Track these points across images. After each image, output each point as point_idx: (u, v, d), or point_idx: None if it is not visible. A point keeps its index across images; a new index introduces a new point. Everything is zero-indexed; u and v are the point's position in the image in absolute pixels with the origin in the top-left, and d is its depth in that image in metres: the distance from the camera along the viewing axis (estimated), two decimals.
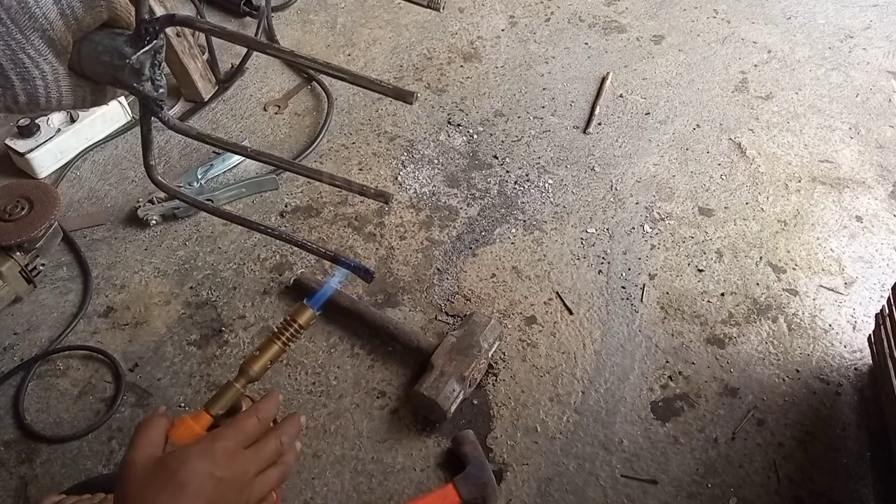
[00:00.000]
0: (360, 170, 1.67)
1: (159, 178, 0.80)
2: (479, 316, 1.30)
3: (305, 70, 1.91)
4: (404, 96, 0.64)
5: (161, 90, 0.72)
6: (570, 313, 1.39)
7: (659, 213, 1.57)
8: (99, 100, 0.73)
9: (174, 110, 1.82)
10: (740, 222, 1.55)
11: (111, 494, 0.95)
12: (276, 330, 0.73)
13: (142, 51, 0.68)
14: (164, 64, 0.71)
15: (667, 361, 1.32)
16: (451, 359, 1.22)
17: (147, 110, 0.74)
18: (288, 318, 0.74)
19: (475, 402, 1.26)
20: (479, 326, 1.27)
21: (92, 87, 0.71)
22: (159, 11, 1.64)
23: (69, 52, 0.68)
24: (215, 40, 1.89)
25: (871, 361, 1.30)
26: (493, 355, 1.30)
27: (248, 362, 0.72)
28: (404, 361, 1.31)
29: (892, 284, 1.23)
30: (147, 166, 0.78)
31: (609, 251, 1.49)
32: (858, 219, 1.55)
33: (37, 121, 1.61)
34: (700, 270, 1.46)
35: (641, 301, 1.41)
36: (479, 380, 1.26)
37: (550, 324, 1.37)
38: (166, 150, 1.71)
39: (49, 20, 0.64)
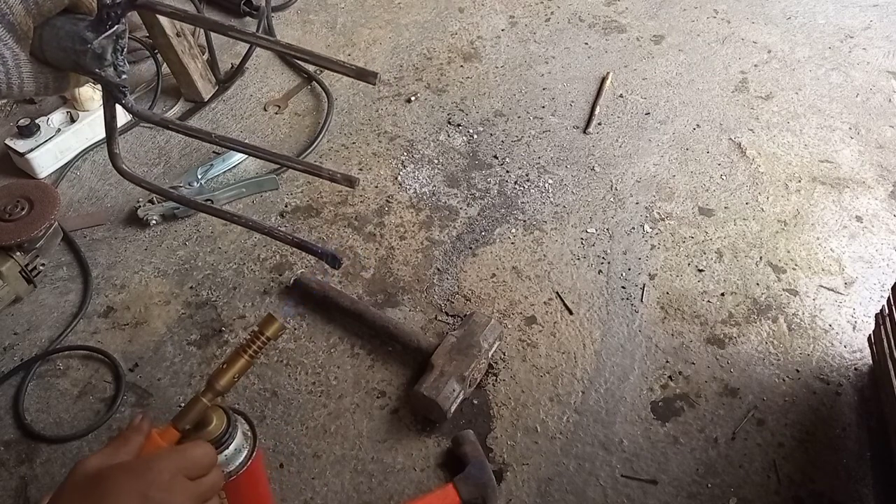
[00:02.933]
0: (360, 170, 1.67)
1: (123, 166, 0.78)
2: (479, 316, 1.30)
3: (304, 70, 1.91)
4: (366, 76, 0.64)
5: (124, 76, 0.70)
6: (570, 313, 1.39)
7: (659, 213, 1.57)
8: (62, 86, 0.72)
9: (174, 110, 1.82)
10: (740, 222, 1.55)
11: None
12: (243, 342, 0.71)
13: (103, 35, 0.66)
14: (125, 49, 0.69)
15: (667, 361, 1.32)
16: (451, 359, 1.22)
17: (110, 96, 0.72)
18: (255, 331, 0.71)
19: (475, 402, 1.26)
20: (479, 326, 1.27)
21: (54, 73, 0.70)
22: None
23: (30, 37, 0.66)
24: (215, 40, 1.89)
25: (871, 361, 1.30)
26: (493, 355, 1.30)
27: (215, 376, 0.70)
28: (404, 361, 1.31)
29: (892, 284, 1.23)
30: (111, 154, 0.76)
31: (609, 251, 1.49)
32: (858, 219, 1.55)
33: (37, 121, 1.61)
34: (700, 270, 1.46)
35: (641, 301, 1.41)
36: (479, 380, 1.26)
37: (550, 324, 1.37)
38: (166, 150, 1.71)
39: (9, 4, 0.63)
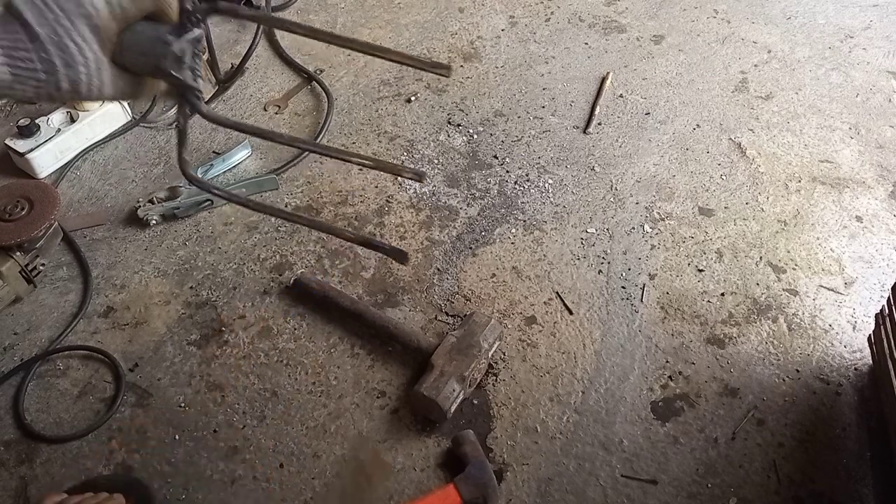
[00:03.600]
0: (360, 170, 1.67)
1: (193, 172, 0.80)
2: (479, 316, 1.30)
3: (304, 70, 1.91)
4: (440, 68, 0.65)
5: (199, 80, 0.73)
6: (570, 313, 1.39)
7: (659, 213, 1.57)
8: (137, 93, 0.74)
9: (174, 110, 1.82)
10: (740, 222, 1.55)
11: (115, 494, 0.96)
12: None
13: (184, 38, 0.69)
14: (202, 55, 0.71)
15: (667, 361, 1.32)
16: (451, 359, 1.22)
17: (185, 100, 0.74)
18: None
19: (475, 402, 1.26)
20: (479, 326, 1.27)
21: (132, 79, 0.72)
22: None
23: (112, 42, 0.68)
24: (215, 40, 1.89)
25: (871, 361, 1.30)
26: (493, 355, 1.30)
27: None
28: (404, 361, 1.31)
29: (892, 284, 1.23)
30: (181, 160, 0.77)
31: (609, 251, 1.49)
32: (858, 219, 1.55)
33: (37, 121, 1.61)
34: (700, 270, 1.46)
35: (641, 301, 1.41)
36: (479, 380, 1.26)
37: (550, 324, 1.37)
38: (166, 151, 1.71)
39: (96, 7, 0.65)
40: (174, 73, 0.71)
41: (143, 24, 0.69)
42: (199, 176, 0.78)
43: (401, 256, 0.75)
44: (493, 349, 1.29)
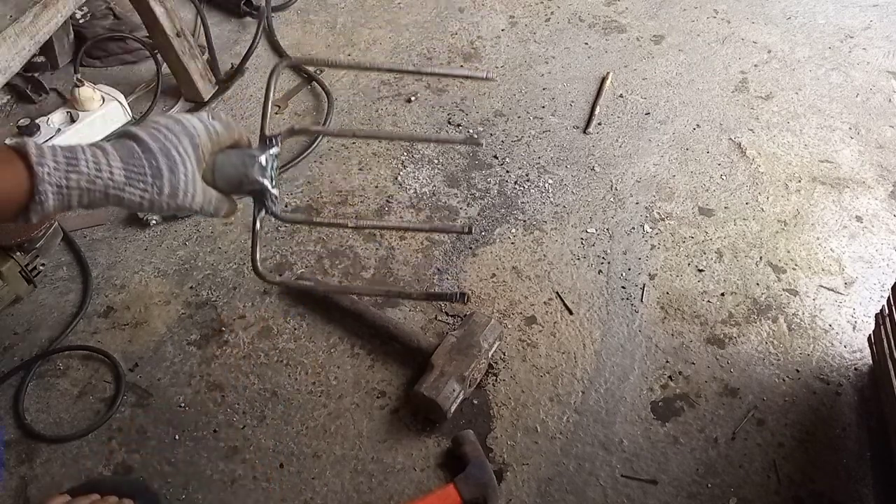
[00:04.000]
0: (360, 170, 1.67)
1: (266, 273, 0.92)
2: (479, 316, 1.30)
3: (304, 70, 1.91)
4: (474, 142, 0.88)
5: (275, 189, 0.89)
6: (570, 313, 1.39)
7: (659, 213, 1.57)
8: (221, 208, 0.89)
9: (174, 110, 1.82)
10: (740, 222, 1.55)
11: (125, 500, 0.96)
12: None
13: (268, 152, 0.88)
14: (277, 167, 0.91)
15: (667, 361, 1.32)
16: (451, 359, 1.22)
17: (262, 204, 0.90)
18: None
19: (475, 402, 1.26)
20: (479, 326, 1.27)
21: (216, 194, 0.88)
22: (158, 11, 1.65)
23: (204, 162, 0.85)
24: (216, 40, 1.89)
25: (871, 361, 1.30)
26: (493, 355, 1.30)
27: None
28: (404, 361, 1.31)
29: (892, 284, 1.23)
30: (253, 260, 0.92)
31: (609, 251, 1.49)
32: (858, 219, 1.55)
33: (37, 121, 1.61)
34: (700, 270, 1.46)
35: (641, 301, 1.41)
36: (479, 380, 1.26)
37: (550, 324, 1.37)
38: None
39: (197, 130, 0.83)
40: (258, 178, 0.87)
41: (230, 149, 0.86)
42: (271, 276, 0.98)
43: (462, 298, 0.90)
44: (493, 349, 1.29)
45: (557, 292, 1.42)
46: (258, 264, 0.91)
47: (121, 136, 0.85)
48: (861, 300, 1.41)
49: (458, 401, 1.21)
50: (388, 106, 1.82)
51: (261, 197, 0.90)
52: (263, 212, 0.92)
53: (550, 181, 1.64)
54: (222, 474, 1.18)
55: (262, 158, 0.87)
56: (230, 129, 0.87)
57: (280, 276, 0.95)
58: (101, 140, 0.91)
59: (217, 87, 1.85)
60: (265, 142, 0.88)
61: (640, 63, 1.94)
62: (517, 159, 1.69)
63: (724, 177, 1.64)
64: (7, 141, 0.89)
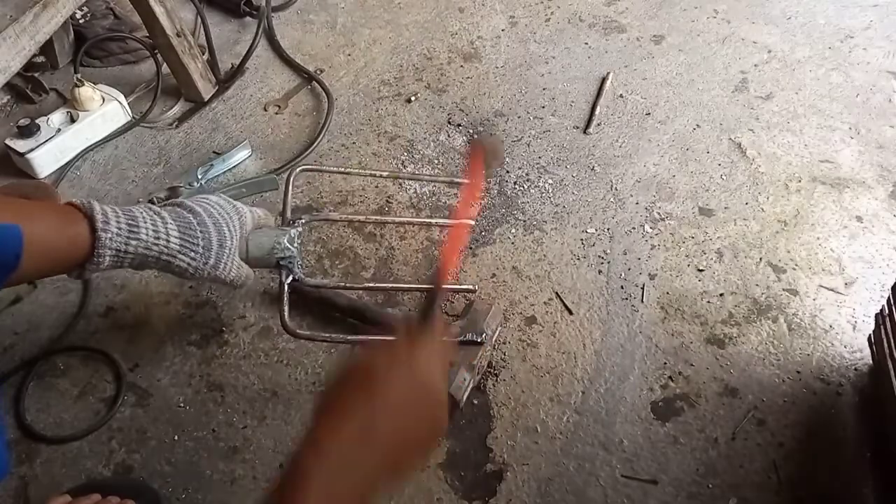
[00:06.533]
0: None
1: (298, 330, 1.09)
2: (480, 303, 1.30)
3: (304, 70, 1.91)
4: (466, 291, 1.18)
5: (300, 257, 1.08)
6: (570, 313, 1.39)
7: (659, 213, 1.57)
8: (245, 283, 1.05)
9: (174, 110, 1.82)
10: (740, 222, 1.55)
11: (127, 501, 0.96)
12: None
13: (295, 227, 1.12)
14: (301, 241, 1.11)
15: (667, 361, 1.32)
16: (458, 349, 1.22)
17: (289, 271, 1.07)
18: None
19: (475, 402, 1.26)
20: (481, 314, 1.27)
21: (248, 270, 1.02)
22: (158, 11, 1.65)
23: (240, 240, 1.00)
24: (216, 40, 1.89)
25: (871, 361, 1.30)
26: (493, 356, 1.30)
27: None
28: None
29: (892, 284, 1.23)
30: (283, 320, 1.06)
31: (609, 251, 1.49)
32: (858, 219, 1.55)
33: (37, 121, 1.62)
34: (700, 270, 1.46)
35: (641, 301, 1.41)
36: (485, 367, 1.26)
37: (550, 324, 1.37)
38: (166, 150, 1.71)
39: (244, 212, 1.02)
40: (290, 246, 1.07)
41: (262, 228, 1.08)
42: (301, 332, 1.14)
43: (469, 292, 1.10)
44: (497, 334, 1.30)
45: (557, 292, 1.42)
46: (287, 323, 1.03)
47: (175, 205, 0.95)
48: (861, 300, 1.41)
49: (469, 389, 1.20)
50: (389, 106, 1.82)
51: (288, 263, 1.05)
52: (291, 277, 1.05)
53: (550, 181, 1.64)
54: (222, 474, 1.18)
55: (293, 232, 1.07)
56: (268, 216, 1.05)
57: (306, 331, 1.19)
58: (155, 206, 1.01)
59: (217, 87, 1.85)
60: (287, 223, 1.13)
61: (640, 63, 1.94)
62: (517, 159, 1.69)
63: (724, 177, 1.64)
64: (73, 201, 0.95)
